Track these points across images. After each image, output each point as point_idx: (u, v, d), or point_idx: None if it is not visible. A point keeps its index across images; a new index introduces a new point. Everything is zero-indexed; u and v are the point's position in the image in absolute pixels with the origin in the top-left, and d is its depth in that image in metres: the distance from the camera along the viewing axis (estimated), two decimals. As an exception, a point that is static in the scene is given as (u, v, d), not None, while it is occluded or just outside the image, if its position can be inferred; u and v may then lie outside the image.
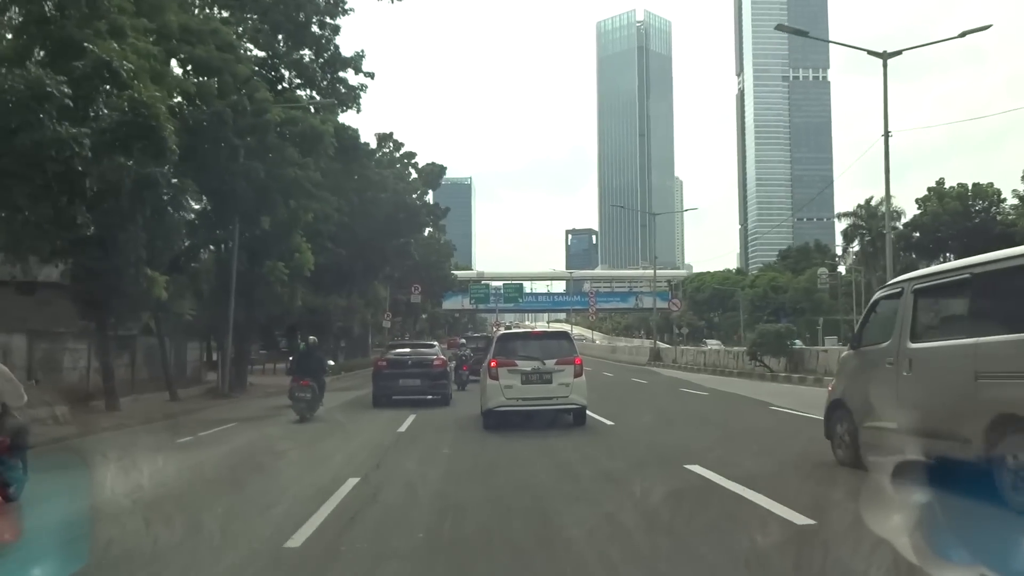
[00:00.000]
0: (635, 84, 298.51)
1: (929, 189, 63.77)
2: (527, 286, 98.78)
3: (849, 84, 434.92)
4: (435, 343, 24.52)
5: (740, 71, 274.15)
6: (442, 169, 50.60)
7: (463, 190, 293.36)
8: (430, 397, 19.29)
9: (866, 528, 5.32)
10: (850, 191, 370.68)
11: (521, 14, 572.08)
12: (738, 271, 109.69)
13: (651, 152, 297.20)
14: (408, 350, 21.22)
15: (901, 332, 8.07)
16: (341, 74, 30.11)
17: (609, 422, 14.46)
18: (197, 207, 22.85)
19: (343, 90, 29.97)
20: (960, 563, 4.50)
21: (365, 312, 48.06)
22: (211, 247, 25.65)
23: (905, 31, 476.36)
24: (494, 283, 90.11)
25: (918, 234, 60.97)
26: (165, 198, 17.43)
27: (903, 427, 7.64)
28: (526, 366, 13.62)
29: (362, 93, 29.83)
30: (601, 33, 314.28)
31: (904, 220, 63.93)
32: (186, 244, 22.74)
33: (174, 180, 17.46)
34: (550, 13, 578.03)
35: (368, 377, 21.42)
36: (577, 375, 13.69)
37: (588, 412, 14.29)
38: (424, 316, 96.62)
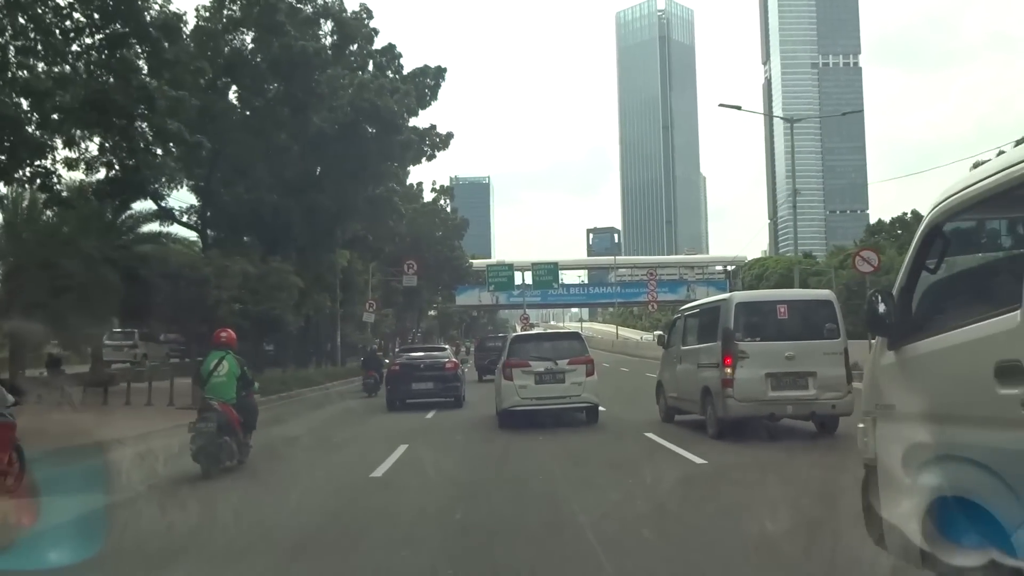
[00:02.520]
0: (657, 75, 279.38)
1: None
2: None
3: (882, 71, 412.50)
4: (447, 346, 25.26)
5: (767, 59, 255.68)
6: (440, 72, 31.08)
7: (481, 190, 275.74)
8: (444, 399, 19.23)
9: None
10: (881, 184, 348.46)
11: (536, 8, 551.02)
12: (806, 255, 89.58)
13: (675, 145, 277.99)
14: (420, 354, 21.26)
15: (680, 339, 13.62)
16: None
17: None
18: None
19: None
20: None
21: (318, 295, 28.87)
22: None
23: (930, 20, 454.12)
24: (519, 263, 67.60)
25: None
26: None
27: (679, 396, 13.29)
28: (539, 366, 14.01)
29: None
30: (621, 24, 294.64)
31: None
32: None
33: None
34: (566, 7, 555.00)
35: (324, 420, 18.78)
36: (589, 374, 14.12)
37: None
38: (432, 312, 77.09)
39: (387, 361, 24.47)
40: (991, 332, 3.11)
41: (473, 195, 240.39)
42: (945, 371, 3.50)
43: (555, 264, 64.22)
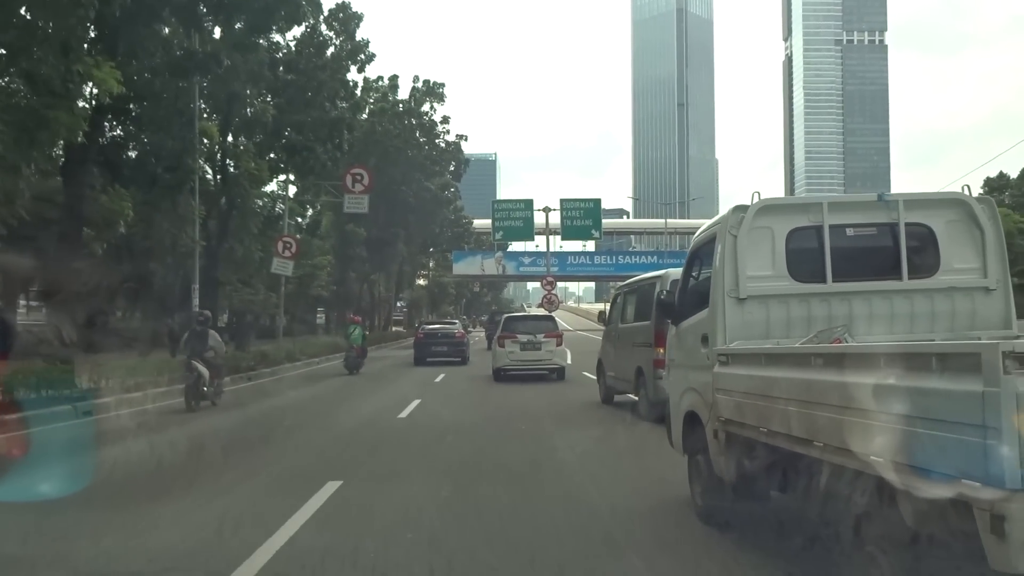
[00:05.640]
0: (673, 51, 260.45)
1: None
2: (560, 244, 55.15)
3: (897, 54, 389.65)
4: (457, 320, 33.67)
5: (788, 35, 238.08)
6: None
7: (487, 167, 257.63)
8: (454, 359, 25.00)
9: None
10: (902, 169, 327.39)
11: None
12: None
13: (690, 123, 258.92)
14: (437, 326, 27.74)
15: (619, 317, 13.75)
16: None
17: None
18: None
19: None
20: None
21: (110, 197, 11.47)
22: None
23: (951, 6, 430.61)
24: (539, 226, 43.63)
25: None
26: None
27: (616, 375, 13.22)
28: (523, 338, 18.66)
29: None
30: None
31: None
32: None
33: None
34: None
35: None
36: (558, 344, 18.72)
37: None
38: (422, 282, 59.03)
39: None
40: (701, 318, 5.77)
41: (479, 172, 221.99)
42: (688, 339, 6.09)
43: (597, 201, 41.52)
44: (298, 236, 26.21)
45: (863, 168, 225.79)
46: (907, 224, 5.31)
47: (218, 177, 20.73)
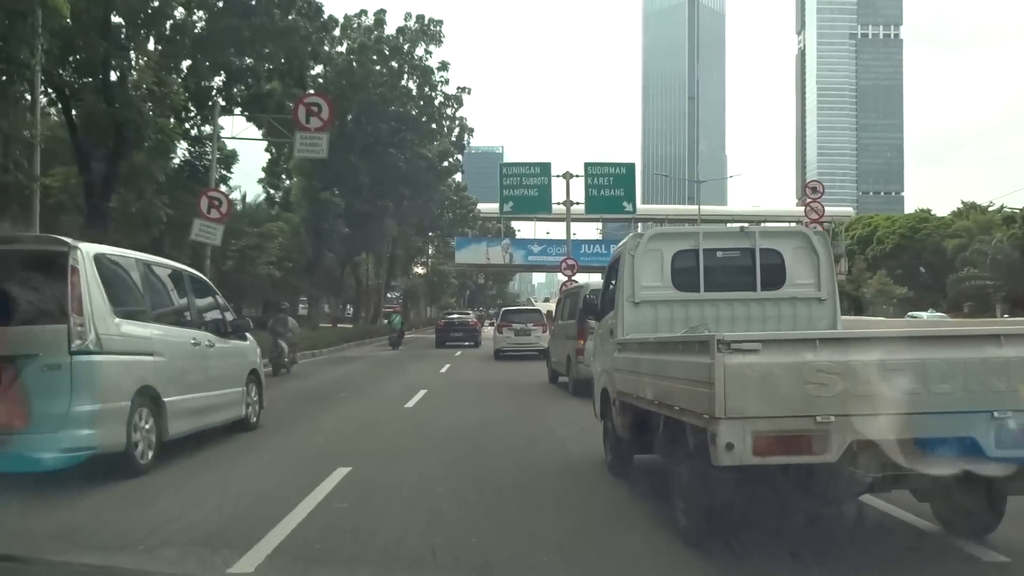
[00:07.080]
0: (685, 44, 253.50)
1: None
2: (574, 228, 49.76)
3: (924, 42, 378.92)
4: (470, 311, 41.90)
5: (801, 28, 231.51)
6: None
7: (495, 159, 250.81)
8: (469, 343, 31.11)
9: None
10: (916, 166, 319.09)
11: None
12: (921, 210, 65.01)
13: (700, 118, 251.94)
14: (456, 316, 35.77)
15: (559, 315, 16.84)
16: None
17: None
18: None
19: None
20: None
21: None
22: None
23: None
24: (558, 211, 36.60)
25: None
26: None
27: (556, 361, 15.91)
28: (517, 326, 23.66)
29: None
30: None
31: None
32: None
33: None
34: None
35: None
36: (544, 331, 22.27)
37: None
38: (420, 270, 52.41)
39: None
40: (612, 317, 7.17)
41: (486, 165, 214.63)
42: (602, 332, 7.69)
43: (631, 167, 34.01)
44: (231, 196, 19.62)
45: (876, 165, 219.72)
46: (762, 250, 6.98)
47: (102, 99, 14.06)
